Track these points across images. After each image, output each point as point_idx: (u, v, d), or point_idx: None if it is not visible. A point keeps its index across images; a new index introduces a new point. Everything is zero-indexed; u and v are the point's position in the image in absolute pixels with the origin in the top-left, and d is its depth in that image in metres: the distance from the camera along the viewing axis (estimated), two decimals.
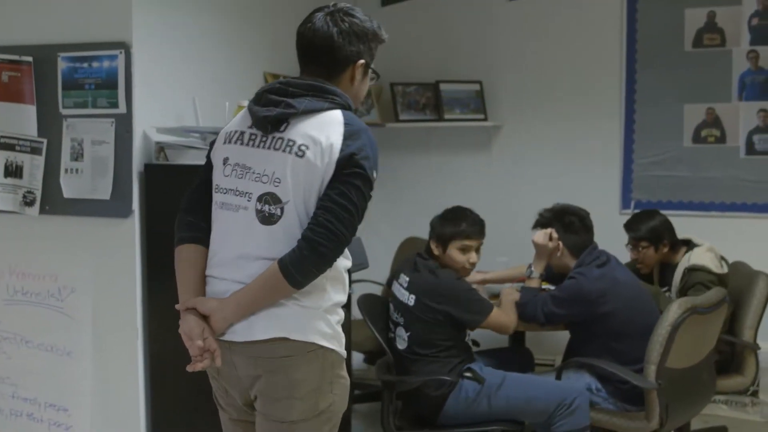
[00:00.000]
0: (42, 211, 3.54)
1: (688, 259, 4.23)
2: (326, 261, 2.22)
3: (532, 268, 4.02)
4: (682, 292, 4.17)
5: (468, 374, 3.59)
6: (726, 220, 5.07)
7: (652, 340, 3.42)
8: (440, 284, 3.66)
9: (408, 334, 3.65)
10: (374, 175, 2.28)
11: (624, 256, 4.42)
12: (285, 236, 2.23)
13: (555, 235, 3.92)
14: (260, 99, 2.37)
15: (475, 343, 4.04)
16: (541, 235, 3.97)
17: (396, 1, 5.64)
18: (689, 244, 4.37)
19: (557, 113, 5.37)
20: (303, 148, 2.23)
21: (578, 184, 5.24)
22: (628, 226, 4.41)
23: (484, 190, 5.51)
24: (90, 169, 3.45)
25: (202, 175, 2.46)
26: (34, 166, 3.52)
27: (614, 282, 3.75)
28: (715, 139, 5.09)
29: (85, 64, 3.43)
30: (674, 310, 3.41)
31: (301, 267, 2.20)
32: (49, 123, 3.50)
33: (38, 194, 3.53)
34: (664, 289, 4.39)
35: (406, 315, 3.66)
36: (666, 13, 5.11)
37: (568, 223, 3.92)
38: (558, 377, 3.68)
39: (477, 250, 3.79)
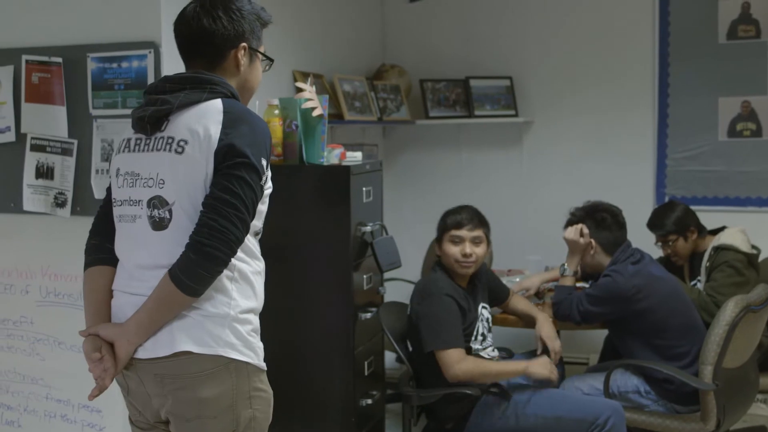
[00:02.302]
0: (73, 212, 3.53)
1: (718, 239, 4.19)
2: (215, 261, 2.06)
3: (566, 266, 3.97)
4: (709, 271, 4.13)
5: (494, 389, 3.48)
6: (763, 215, 5.02)
7: (708, 341, 3.38)
8: (417, 287, 3.67)
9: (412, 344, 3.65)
10: (262, 162, 2.13)
11: (658, 251, 4.37)
12: (178, 240, 2.10)
13: (586, 230, 3.87)
14: (145, 100, 2.26)
15: (507, 351, 3.98)
16: (571, 231, 3.92)
17: None
18: (721, 230, 4.32)
19: (589, 108, 5.32)
20: (182, 143, 2.13)
21: (611, 179, 5.19)
22: (652, 225, 4.37)
23: (516, 187, 5.47)
24: None
25: (107, 194, 2.37)
26: (65, 167, 3.52)
27: (650, 278, 3.70)
28: (750, 132, 5.01)
29: (115, 65, 3.42)
30: (730, 308, 3.37)
31: (189, 272, 2.05)
32: (80, 124, 3.49)
33: (69, 195, 3.52)
34: (693, 282, 4.34)
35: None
36: (699, 5, 5.05)
37: (600, 219, 3.87)
38: (607, 378, 3.61)
39: (474, 242, 3.64)
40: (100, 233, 2.36)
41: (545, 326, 3.78)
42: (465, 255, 3.62)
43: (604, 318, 3.79)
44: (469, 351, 3.57)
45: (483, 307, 3.72)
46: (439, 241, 3.73)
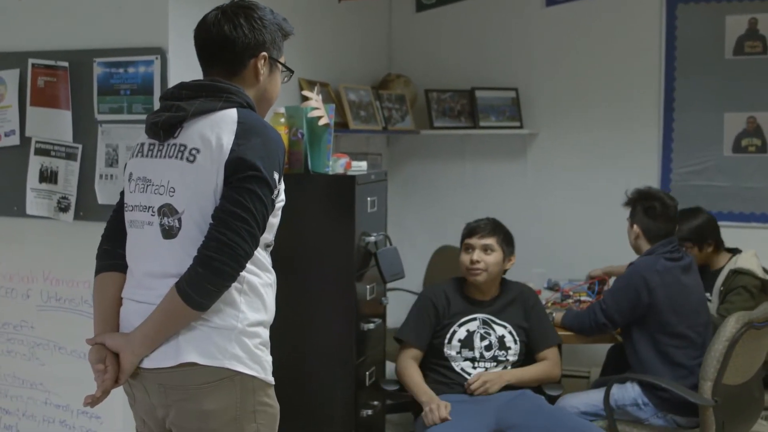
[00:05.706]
0: (76, 216, 3.52)
1: (735, 262, 4.16)
2: (224, 276, 2.04)
3: (554, 315, 3.95)
4: (724, 293, 4.10)
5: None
6: (766, 231, 4.97)
7: (708, 356, 3.35)
8: None
9: None
10: (274, 175, 2.10)
11: None
12: (187, 250, 2.08)
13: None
14: (160, 106, 2.24)
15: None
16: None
17: (431, 7, 5.59)
18: (736, 252, 4.29)
19: (594, 121, 5.30)
20: (194, 152, 2.10)
21: (615, 193, 5.13)
22: None
23: (519, 199, 5.45)
24: None
25: (120, 198, 2.35)
26: (68, 172, 3.51)
27: (672, 281, 3.66)
28: (756, 148, 5.01)
29: (121, 70, 3.41)
30: (731, 324, 3.34)
31: (197, 286, 2.03)
32: (85, 128, 3.48)
33: (73, 200, 3.51)
34: None
35: None
36: (706, 20, 5.04)
37: (648, 207, 3.85)
38: (608, 389, 3.57)
39: (484, 250, 3.63)
40: (112, 238, 2.33)
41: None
42: (472, 262, 3.61)
43: (623, 314, 3.71)
44: (440, 352, 3.58)
45: (493, 322, 3.61)
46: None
